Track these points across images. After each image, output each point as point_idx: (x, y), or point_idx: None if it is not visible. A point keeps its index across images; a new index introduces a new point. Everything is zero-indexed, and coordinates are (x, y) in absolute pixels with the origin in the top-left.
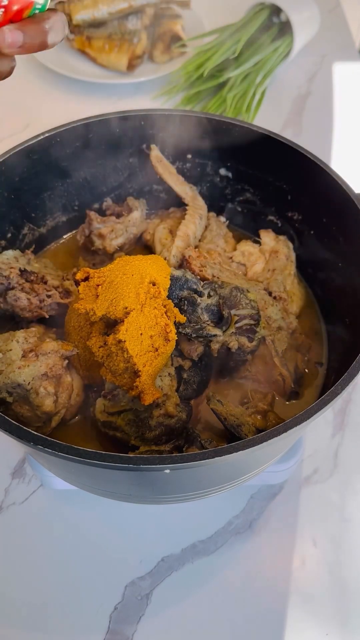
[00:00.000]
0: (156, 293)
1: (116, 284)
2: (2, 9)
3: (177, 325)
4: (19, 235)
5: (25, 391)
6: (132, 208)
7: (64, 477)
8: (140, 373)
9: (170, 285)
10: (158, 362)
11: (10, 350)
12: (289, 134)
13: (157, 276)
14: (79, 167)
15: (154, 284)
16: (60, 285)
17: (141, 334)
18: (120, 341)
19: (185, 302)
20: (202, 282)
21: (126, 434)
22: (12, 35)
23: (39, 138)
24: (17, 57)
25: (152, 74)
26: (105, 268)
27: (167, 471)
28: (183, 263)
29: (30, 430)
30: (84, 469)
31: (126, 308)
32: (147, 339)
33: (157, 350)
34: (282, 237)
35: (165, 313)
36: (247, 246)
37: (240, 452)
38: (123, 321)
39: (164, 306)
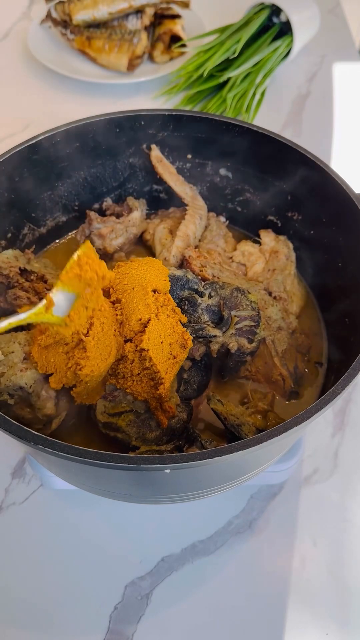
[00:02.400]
0: (165, 301)
1: (122, 304)
2: None
3: None
4: (19, 235)
5: (26, 394)
6: (132, 208)
7: (64, 477)
8: (163, 380)
9: (172, 285)
10: (175, 370)
11: (12, 352)
12: (289, 134)
13: (156, 282)
14: (79, 167)
15: (155, 291)
16: None
17: (161, 342)
18: (143, 350)
19: (186, 302)
20: (203, 283)
21: (127, 434)
22: None
23: (39, 138)
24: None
25: (152, 74)
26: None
27: (168, 471)
28: (183, 263)
29: (30, 430)
30: (84, 468)
31: (140, 319)
32: (166, 347)
33: (175, 357)
34: (282, 237)
35: (180, 320)
36: (247, 246)
37: (241, 452)
38: (144, 330)
39: (173, 310)
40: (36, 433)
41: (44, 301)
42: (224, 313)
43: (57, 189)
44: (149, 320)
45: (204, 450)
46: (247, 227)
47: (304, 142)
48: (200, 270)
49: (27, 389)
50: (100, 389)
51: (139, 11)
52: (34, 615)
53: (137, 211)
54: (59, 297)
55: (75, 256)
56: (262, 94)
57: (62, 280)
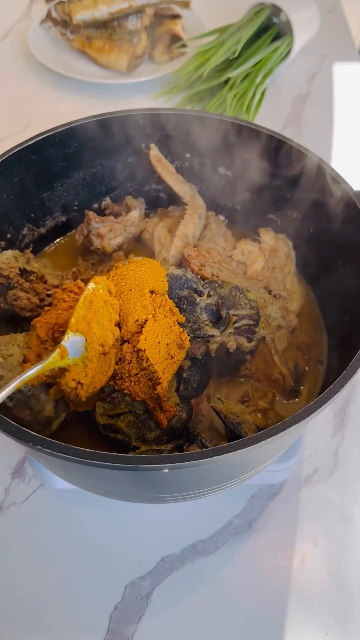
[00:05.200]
0: (162, 302)
1: (121, 304)
2: None
3: None
4: (18, 235)
5: (26, 397)
6: (130, 207)
7: (64, 477)
8: (160, 380)
9: (171, 284)
10: (173, 370)
11: (12, 355)
12: (289, 134)
13: (154, 283)
14: (79, 167)
15: (153, 292)
16: (60, 284)
17: (158, 342)
18: (140, 350)
19: (185, 301)
20: (202, 282)
21: (127, 435)
22: None
23: (39, 138)
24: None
25: (152, 74)
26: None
27: (166, 471)
28: (182, 263)
29: (30, 431)
30: (84, 469)
31: (137, 320)
32: (163, 347)
33: (172, 357)
34: (281, 236)
35: (177, 320)
36: (246, 245)
37: (241, 450)
38: (141, 331)
39: (171, 310)
40: (35, 434)
41: (57, 350)
42: (222, 312)
43: (57, 189)
44: (146, 321)
45: (202, 450)
46: (246, 225)
47: (304, 141)
48: (200, 269)
49: (26, 392)
50: (97, 396)
51: (139, 11)
52: (34, 615)
53: (136, 210)
54: (71, 341)
55: (86, 292)
56: (262, 94)
57: (71, 326)
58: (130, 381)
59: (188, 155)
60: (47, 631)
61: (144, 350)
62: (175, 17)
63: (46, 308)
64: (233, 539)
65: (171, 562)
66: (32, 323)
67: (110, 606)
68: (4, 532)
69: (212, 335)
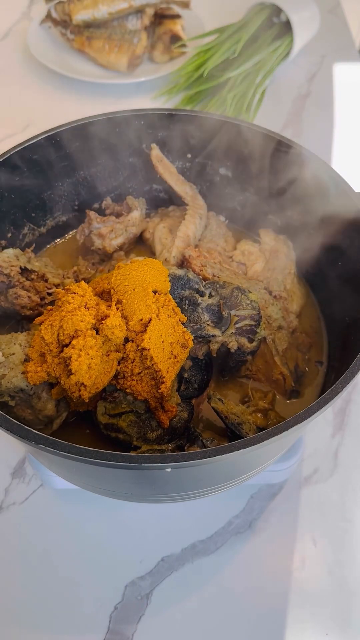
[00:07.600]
0: (165, 301)
1: (123, 305)
2: None
3: None
4: (19, 235)
5: (27, 396)
6: (131, 207)
7: (65, 477)
8: (164, 379)
9: (173, 285)
10: (176, 369)
11: (13, 354)
12: (289, 134)
13: (156, 283)
14: (79, 167)
15: (156, 292)
16: (61, 283)
17: (162, 341)
18: (144, 349)
19: (187, 301)
20: (204, 282)
21: (128, 435)
22: None
23: (39, 138)
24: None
25: (152, 74)
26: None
27: (169, 470)
28: (183, 263)
29: (32, 429)
30: (85, 468)
31: (141, 320)
32: (167, 346)
33: (176, 357)
34: (281, 236)
35: (180, 320)
36: (247, 245)
37: (241, 450)
38: (145, 330)
39: (173, 310)
40: (38, 433)
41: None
42: (224, 312)
43: (57, 188)
44: (150, 320)
45: (205, 449)
46: (247, 226)
47: (304, 142)
48: (201, 270)
49: (28, 391)
50: (98, 395)
51: (139, 11)
52: (34, 615)
53: (137, 211)
54: None
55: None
56: (262, 94)
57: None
58: (133, 380)
59: (189, 155)
60: (47, 631)
61: (148, 349)
62: (175, 17)
63: (48, 307)
64: (233, 539)
65: (171, 562)
66: (34, 322)
67: (110, 606)
68: (4, 532)
69: (214, 336)
